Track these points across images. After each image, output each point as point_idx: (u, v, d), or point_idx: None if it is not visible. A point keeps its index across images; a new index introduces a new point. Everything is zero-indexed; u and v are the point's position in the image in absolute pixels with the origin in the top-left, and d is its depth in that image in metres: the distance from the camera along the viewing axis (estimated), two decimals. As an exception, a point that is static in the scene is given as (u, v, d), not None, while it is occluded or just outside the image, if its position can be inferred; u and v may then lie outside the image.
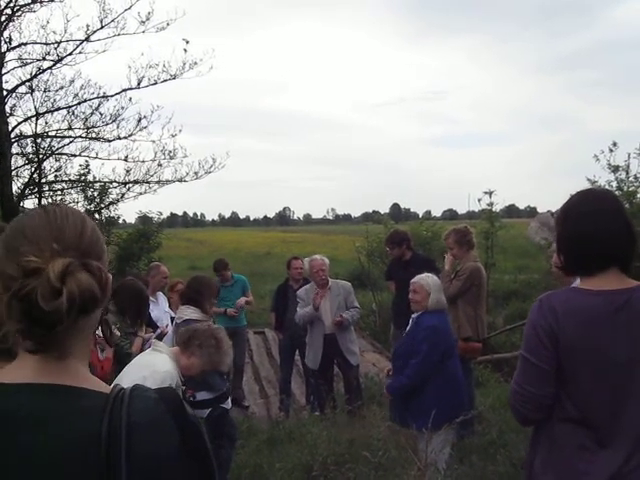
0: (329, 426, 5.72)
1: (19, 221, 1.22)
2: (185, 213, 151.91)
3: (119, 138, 12.30)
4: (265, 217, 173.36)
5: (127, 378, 3.28)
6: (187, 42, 11.65)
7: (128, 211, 16.06)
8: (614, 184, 11.63)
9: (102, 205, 13.55)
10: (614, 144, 11.55)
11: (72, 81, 11.88)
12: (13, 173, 11.92)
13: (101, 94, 11.99)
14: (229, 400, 5.30)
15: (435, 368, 4.85)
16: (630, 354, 2.14)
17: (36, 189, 12.44)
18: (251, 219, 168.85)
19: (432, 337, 4.92)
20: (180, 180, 12.94)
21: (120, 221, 17.67)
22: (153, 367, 3.46)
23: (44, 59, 11.60)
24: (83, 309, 1.11)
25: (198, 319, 5.16)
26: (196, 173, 12.92)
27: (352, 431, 5.43)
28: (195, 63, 11.84)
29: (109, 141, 12.35)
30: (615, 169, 11.61)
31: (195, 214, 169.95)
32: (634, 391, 2.15)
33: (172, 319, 6.26)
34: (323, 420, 6.03)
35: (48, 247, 1.14)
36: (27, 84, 11.77)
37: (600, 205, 2.27)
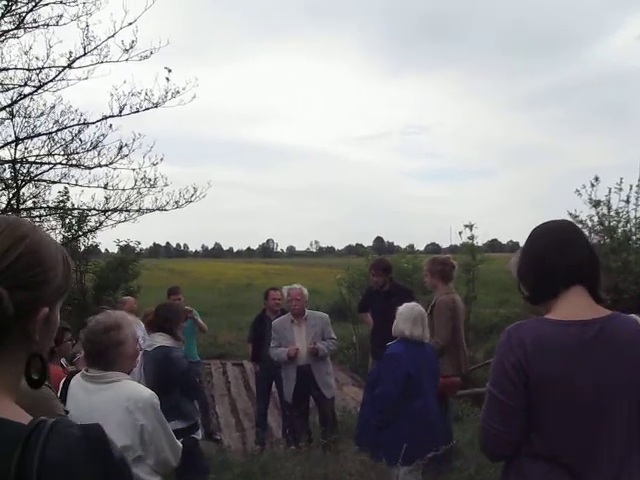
0: (303, 460, 5.58)
1: None
2: (168, 244, 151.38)
3: (100, 166, 12.19)
4: (248, 249, 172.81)
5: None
6: (169, 71, 11.61)
7: (111, 240, 16.03)
8: (595, 219, 11.69)
9: (80, 233, 13.41)
10: (596, 179, 11.63)
11: (53, 107, 11.81)
12: (-10, 199, 11.78)
13: (82, 121, 11.90)
14: (200, 430, 5.17)
15: (400, 396, 4.74)
16: (602, 387, 2.07)
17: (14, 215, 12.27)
18: (234, 250, 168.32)
19: (388, 366, 4.86)
20: (160, 209, 12.81)
21: (103, 250, 17.55)
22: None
23: (26, 85, 11.52)
24: None
25: (170, 346, 5.06)
26: (177, 202, 12.79)
27: (326, 465, 5.28)
28: (177, 92, 11.78)
29: (89, 168, 12.23)
30: (596, 204, 11.66)
31: (178, 245, 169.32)
32: (608, 424, 2.07)
33: None
34: (297, 454, 5.88)
35: None
36: (7, 109, 11.69)
37: (561, 231, 2.28)
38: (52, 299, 1.15)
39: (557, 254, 2.20)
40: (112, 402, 3.29)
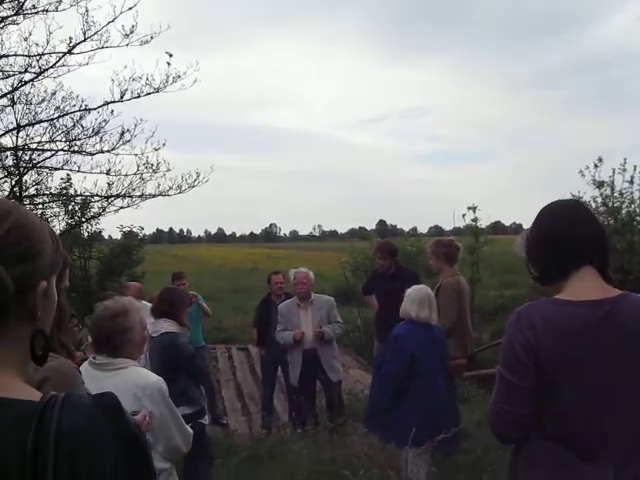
0: (310, 444, 5.58)
1: None
2: (171, 229, 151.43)
3: (102, 152, 12.15)
4: (251, 233, 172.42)
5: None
6: (170, 55, 11.55)
7: (114, 227, 16.18)
8: (599, 200, 11.65)
9: (83, 219, 13.41)
10: (599, 160, 11.58)
11: (54, 93, 11.76)
12: (-7, 186, 11.76)
13: (83, 107, 11.86)
14: (207, 415, 5.16)
15: (404, 376, 4.74)
16: (612, 367, 2.05)
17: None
18: (237, 235, 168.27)
19: (393, 347, 4.89)
20: (163, 194, 12.78)
21: (106, 237, 17.55)
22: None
23: (26, 71, 11.47)
24: None
25: (176, 331, 5.03)
26: (179, 187, 12.76)
27: (333, 449, 5.29)
28: (179, 76, 11.72)
29: (91, 154, 12.20)
30: (600, 185, 11.62)
31: (181, 230, 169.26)
32: (618, 405, 2.05)
33: None
34: (304, 438, 5.89)
35: None
36: (8, 96, 11.64)
37: (570, 210, 2.25)
38: (47, 272, 1.15)
39: (566, 232, 2.17)
40: (120, 389, 3.25)
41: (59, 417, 0.99)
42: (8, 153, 12.09)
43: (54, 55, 11.33)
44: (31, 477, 0.96)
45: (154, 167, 12.40)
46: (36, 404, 1.02)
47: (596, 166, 11.54)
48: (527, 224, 2.36)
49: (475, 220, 13.63)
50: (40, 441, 0.97)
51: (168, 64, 11.56)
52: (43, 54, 11.26)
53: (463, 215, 13.70)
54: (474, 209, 13.56)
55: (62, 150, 12.18)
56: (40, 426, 0.98)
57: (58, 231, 12.41)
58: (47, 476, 0.96)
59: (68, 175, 12.84)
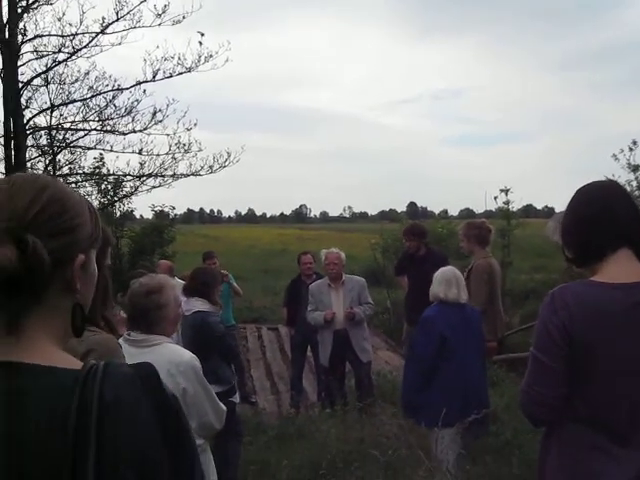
0: (339, 423, 5.61)
1: None
2: (202, 209, 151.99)
3: (134, 131, 12.26)
4: (282, 214, 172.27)
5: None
6: (202, 35, 11.60)
7: (146, 206, 16.30)
8: (634, 183, 11.45)
9: (116, 198, 13.54)
10: (634, 143, 11.36)
11: (87, 73, 11.86)
12: (27, 165, 11.90)
13: (116, 87, 11.96)
14: (237, 394, 5.20)
15: (435, 357, 4.72)
16: None
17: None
18: (268, 216, 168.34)
19: (422, 329, 4.87)
20: (195, 174, 12.86)
21: (138, 216, 17.70)
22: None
23: (60, 51, 11.60)
24: None
25: (208, 310, 5.06)
26: (211, 167, 12.84)
27: (362, 429, 5.31)
28: (210, 56, 11.77)
29: (124, 134, 12.31)
30: (635, 168, 11.42)
31: (212, 210, 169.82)
32: None
33: None
34: (333, 417, 5.92)
35: None
36: (42, 76, 11.77)
37: (606, 191, 2.22)
38: (85, 246, 1.16)
39: (603, 213, 2.14)
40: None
41: (101, 386, 1.01)
42: (42, 132, 12.25)
43: (87, 35, 11.46)
44: (71, 446, 0.97)
45: (186, 147, 12.49)
46: (77, 372, 1.04)
47: (631, 149, 11.34)
48: (559, 208, 2.33)
49: (507, 203, 13.50)
50: (84, 409, 0.99)
51: (200, 44, 11.61)
52: (76, 34, 11.38)
53: (495, 198, 13.58)
54: (506, 192, 13.43)
55: (95, 130, 12.33)
56: (83, 393, 1.00)
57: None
58: (90, 444, 0.97)
59: (101, 154, 12.97)
